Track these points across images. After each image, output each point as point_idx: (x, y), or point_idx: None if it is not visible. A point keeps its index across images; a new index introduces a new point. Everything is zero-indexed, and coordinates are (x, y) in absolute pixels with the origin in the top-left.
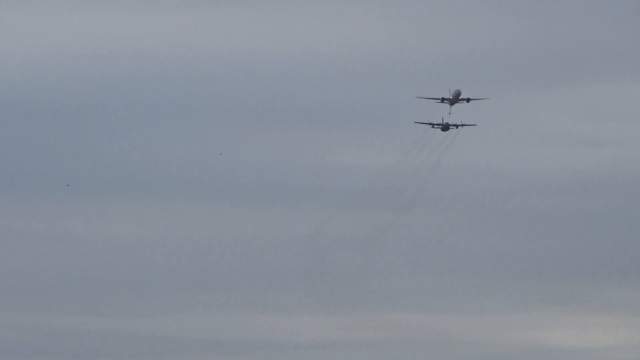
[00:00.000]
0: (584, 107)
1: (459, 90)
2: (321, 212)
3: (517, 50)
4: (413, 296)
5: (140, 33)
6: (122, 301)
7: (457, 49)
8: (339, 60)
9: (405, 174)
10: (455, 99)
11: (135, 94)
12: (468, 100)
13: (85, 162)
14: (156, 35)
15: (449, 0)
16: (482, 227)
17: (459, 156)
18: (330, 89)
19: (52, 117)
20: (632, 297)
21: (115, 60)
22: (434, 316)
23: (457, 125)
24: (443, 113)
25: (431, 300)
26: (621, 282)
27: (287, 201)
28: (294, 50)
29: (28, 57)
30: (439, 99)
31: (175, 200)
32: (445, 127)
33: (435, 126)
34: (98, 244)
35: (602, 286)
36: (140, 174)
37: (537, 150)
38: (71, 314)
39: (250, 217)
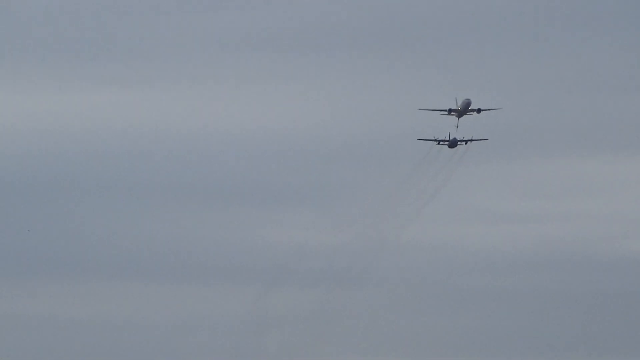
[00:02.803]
0: (529, 184)
1: (468, 99)
2: (260, 289)
3: None
4: None
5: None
6: None
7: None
8: (279, 138)
9: (350, 251)
10: (464, 110)
11: (76, 174)
12: (479, 110)
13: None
14: (82, 116)
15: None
16: (426, 306)
17: (402, 233)
18: (269, 166)
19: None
20: None
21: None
22: None
23: (466, 141)
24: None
25: None
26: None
27: (228, 279)
28: (235, 129)
29: None
30: (445, 110)
31: (111, 279)
32: (452, 144)
33: (441, 143)
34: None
35: None
36: (87, 254)
37: (482, 227)
38: None
39: (188, 296)
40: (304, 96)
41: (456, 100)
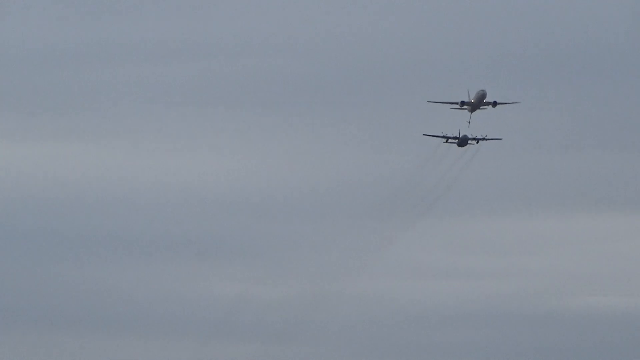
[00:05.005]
0: (472, 241)
1: (483, 91)
2: (198, 342)
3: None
4: None
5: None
6: None
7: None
8: (220, 190)
9: (289, 305)
10: (478, 103)
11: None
12: (495, 104)
13: None
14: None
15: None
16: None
17: (343, 287)
18: (209, 219)
19: None
20: None
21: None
22: None
23: (477, 140)
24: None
25: None
26: None
27: (166, 331)
28: (178, 182)
29: None
30: (457, 103)
31: (48, 330)
32: (462, 142)
33: (450, 140)
34: None
35: None
36: (22, 305)
37: (422, 282)
38: None
39: (124, 348)
40: (243, 149)
41: (468, 92)
